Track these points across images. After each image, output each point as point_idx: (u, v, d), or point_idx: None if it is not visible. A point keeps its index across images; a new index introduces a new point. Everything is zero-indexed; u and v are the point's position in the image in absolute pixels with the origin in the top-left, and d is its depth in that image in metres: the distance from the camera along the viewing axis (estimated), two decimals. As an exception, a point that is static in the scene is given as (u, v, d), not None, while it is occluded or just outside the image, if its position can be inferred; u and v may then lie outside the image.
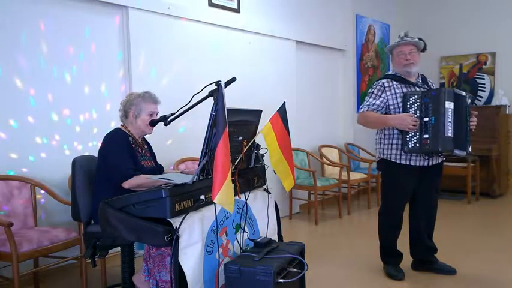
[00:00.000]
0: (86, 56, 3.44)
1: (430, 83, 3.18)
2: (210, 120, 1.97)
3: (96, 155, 2.55)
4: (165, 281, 2.04)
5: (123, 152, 2.42)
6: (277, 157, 2.32)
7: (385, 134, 3.04)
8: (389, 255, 3.22)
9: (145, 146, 2.69)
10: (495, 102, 6.53)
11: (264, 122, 2.35)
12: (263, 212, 2.47)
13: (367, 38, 6.74)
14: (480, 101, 6.84)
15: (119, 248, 2.57)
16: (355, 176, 5.48)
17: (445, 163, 3.22)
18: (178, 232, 1.84)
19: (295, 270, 2.08)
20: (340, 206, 5.16)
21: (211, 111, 1.95)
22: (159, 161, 2.78)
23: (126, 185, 2.34)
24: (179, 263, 1.85)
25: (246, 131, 2.29)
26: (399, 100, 2.95)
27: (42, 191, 3.11)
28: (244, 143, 2.26)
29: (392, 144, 2.99)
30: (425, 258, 3.23)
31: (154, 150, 2.80)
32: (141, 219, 1.91)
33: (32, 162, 3.14)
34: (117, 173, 2.36)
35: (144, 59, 3.76)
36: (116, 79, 3.64)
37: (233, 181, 2.08)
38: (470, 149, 2.93)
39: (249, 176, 2.42)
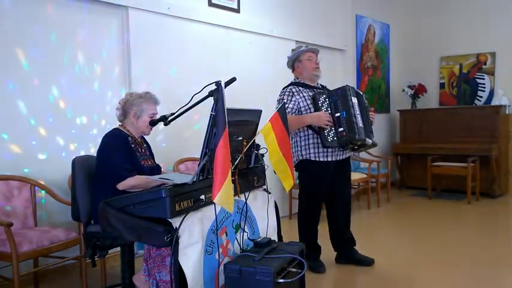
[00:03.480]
0: (85, 56, 3.43)
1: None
2: (210, 120, 1.97)
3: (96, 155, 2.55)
4: (165, 281, 2.04)
5: (119, 152, 2.41)
6: (277, 157, 2.33)
7: (300, 137, 3.22)
8: (311, 250, 3.31)
9: (144, 145, 2.69)
10: (495, 102, 6.52)
11: (264, 122, 2.35)
12: (263, 212, 2.47)
13: (367, 38, 6.74)
14: (480, 101, 6.84)
15: (119, 248, 2.56)
16: (355, 176, 5.46)
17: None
18: (178, 232, 1.84)
19: (295, 270, 2.09)
20: (340, 206, 5.15)
21: (211, 111, 1.95)
22: (159, 161, 2.77)
23: (121, 186, 2.33)
24: (179, 263, 1.85)
25: (246, 131, 2.29)
26: (309, 102, 3.17)
27: (42, 191, 3.10)
28: (244, 143, 2.26)
29: (309, 144, 3.18)
30: (346, 251, 3.42)
31: (153, 150, 2.80)
32: (141, 219, 1.91)
33: (32, 162, 3.14)
34: (111, 174, 2.36)
35: (144, 59, 3.76)
36: (116, 79, 3.64)
37: (233, 181, 2.08)
38: (374, 140, 3.24)
39: (249, 176, 2.42)
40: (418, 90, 7.07)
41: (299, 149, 3.23)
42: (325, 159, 3.17)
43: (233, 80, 2.24)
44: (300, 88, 3.24)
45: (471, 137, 6.26)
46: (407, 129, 6.93)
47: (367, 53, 6.74)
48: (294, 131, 3.24)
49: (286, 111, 3.11)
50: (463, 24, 6.91)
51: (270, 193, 2.55)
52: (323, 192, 3.28)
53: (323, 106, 3.10)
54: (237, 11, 4.58)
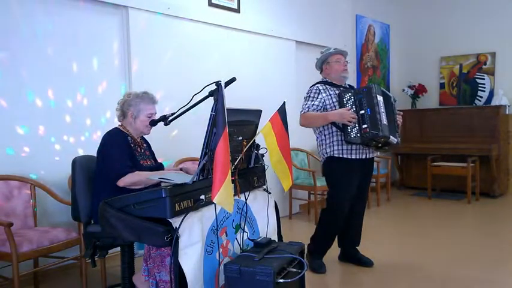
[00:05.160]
0: (85, 56, 3.43)
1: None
2: (210, 120, 1.97)
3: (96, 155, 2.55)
4: (164, 281, 2.03)
5: (120, 150, 2.41)
6: (276, 157, 2.33)
7: (325, 135, 3.24)
8: (323, 250, 3.33)
9: (144, 145, 2.69)
10: (495, 102, 6.53)
11: (264, 122, 2.35)
12: (263, 212, 2.47)
13: (367, 38, 6.74)
14: (480, 101, 6.84)
15: (119, 248, 2.56)
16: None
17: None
18: (178, 232, 1.84)
19: (295, 270, 2.08)
20: (340, 206, 5.15)
21: (211, 111, 1.95)
22: (159, 161, 2.78)
23: (121, 183, 2.34)
24: (179, 263, 1.85)
25: (246, 131, 2.29)
26: (334, 100, 3.20)
27: (42, 191, 3.10)
28: (244, 143, 2.26)
29: (333, 141, 3.20)
30: (350, 249, 3.46)
31: (154, 150, 2.80)
32: (141, 219, 1.91)
33: (32, 162, 3.14)
34: (112, 171, 2.36)
35: (144, 59, 3.76)
36: (116, 79, 3.64)
37: (233, 181, 2.08)
38: (399, 140, 3.23)
39: (249, 176, 2.42)
40: (418, 90, 7.08)
41: (324, 147, 3.25)
42: (349, 157, 3.17)
43: (233, 80, 2.24)
44: (327, 86, 3.27)
45: (471, 137, 6.26)
46: (407, 129, 6.93)
47: (367, 53, 6.74)
48: (317, 128, 3.28)
49: (312, 108, 3.19)
50: (463, 24, 6.91)
51: (270, 193, 2.55)
52: (350, 189, 3.25)
53: (348, 103, 3.12)
54: (237, 11, 4.59)
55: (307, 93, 3.29)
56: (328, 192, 3.39)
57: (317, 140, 3.35)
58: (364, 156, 3.22)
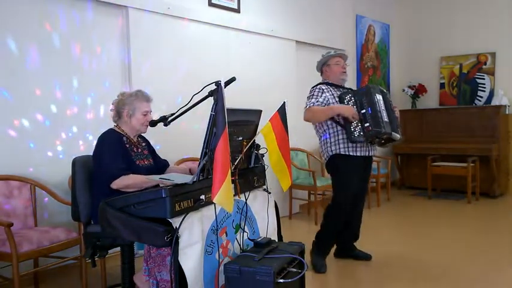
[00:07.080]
0: (85, 56, 3.43)
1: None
2: (210, 120, 1.97)
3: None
4: (165, 280, 2.03)
5: (113, 152, 2.41)
6: (276, 157, 2.33)
7: (329, 134, 3.31)
8: (327, 247, 3.38)
9: (143, 144, 2.68)
10: (495, 102, 6.52)
11: (264, 122, 2.35)
12: (263, 212, 2.47)
13: (367, 38, 6.74)
14: (480, 101, 6.84)
15: (118, 248, 2.56)
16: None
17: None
18: (178, 232, 1.84)
19: (295, 270, 2.09)
20: (340, 206, 5.14)
21: (211, 111, 1.95)
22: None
23: (114, 185, 2.33)
24: (179, 262, 1.85)
25: (246, 131, 2.29)
26: (337, 99, 3.29)
27: (42, 191, 3.10)
28: (244, 143, 2.26)
29: (338, 140, 3.26)
30: (348, 245, 3.54)
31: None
32: (141, 219, 1.91)
33: (32, 162, 3.14)
34: (105, 173, 2.36)
35: (144, 59, 3.76)
36: (116, 79, 3.64)
37: (233, 181, 2.08)
38: (402, 136, 3.34)
39: (249, 176, 2.42)
40: (418, 90, 7.08)
41: (328, 145, 3.30)
42: (355, 154, 3.25)
43: (233, 79, 2.24)
44: (329, 87, 3.36)
45: (471, 137, 6.26)
46: (407, 129, 6.93)
47: (367, 53, 6.74)
48: (322, 127, 3.32)
49: (317, 104, 3.26)
50: (463, 24, 6.91)
51: (270, 193, 2.55)
52: (354, 186, 3.30)
53: (349, 104, 3.22)
54: (237, 11, 4.59)
55: (311, 93, 3.36)
56: (334, 190, 3.42)
57: (320, 139, 3.38)
58: (367, 154, 3.31)
